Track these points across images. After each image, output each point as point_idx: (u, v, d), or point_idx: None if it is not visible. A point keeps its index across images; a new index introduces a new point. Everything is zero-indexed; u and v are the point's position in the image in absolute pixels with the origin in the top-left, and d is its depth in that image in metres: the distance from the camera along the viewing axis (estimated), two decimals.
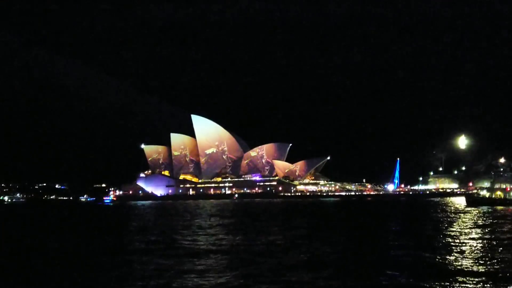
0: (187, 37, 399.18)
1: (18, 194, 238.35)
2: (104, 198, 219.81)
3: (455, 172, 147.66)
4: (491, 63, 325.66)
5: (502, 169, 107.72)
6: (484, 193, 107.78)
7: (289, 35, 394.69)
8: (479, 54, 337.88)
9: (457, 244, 32.38)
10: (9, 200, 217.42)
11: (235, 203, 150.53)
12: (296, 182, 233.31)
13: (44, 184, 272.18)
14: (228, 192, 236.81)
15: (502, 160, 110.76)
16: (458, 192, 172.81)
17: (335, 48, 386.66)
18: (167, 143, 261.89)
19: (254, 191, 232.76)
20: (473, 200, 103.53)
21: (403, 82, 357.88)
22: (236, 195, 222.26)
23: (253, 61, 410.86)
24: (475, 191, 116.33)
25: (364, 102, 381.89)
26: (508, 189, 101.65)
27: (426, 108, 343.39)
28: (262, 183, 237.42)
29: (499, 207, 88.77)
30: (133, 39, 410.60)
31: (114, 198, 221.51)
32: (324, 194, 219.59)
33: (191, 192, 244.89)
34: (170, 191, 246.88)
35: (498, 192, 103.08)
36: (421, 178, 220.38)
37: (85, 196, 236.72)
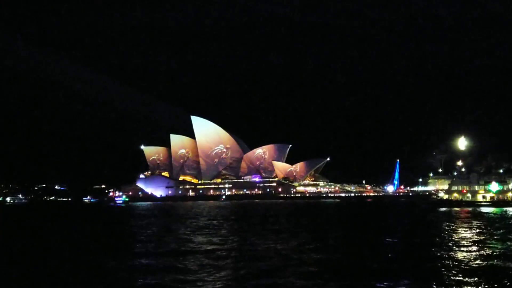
0: (187, 38, 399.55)
1: (20, 195, 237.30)
2: (115, 198, 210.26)
3: (455, 173, 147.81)
4: (491, 63, 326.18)
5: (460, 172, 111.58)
6: (442, 195, 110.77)
7: (289, 35, 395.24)
8: (479, 54, 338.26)
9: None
10: (11, 201, 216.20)
11: (230, 205, 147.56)
12: (296, 183, 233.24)
13: (44, 185, 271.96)
14: (228, 193, 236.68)
15: (459, 163, 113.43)
16: None
17: (335, 48, 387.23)
18: (166, 144, 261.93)
19: (254, 192, 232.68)
20: (432, 202, 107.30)
21: (403, 83, 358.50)
22: (224, 196, 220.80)
23: (253, 62, 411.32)
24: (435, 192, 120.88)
25: (364, 103, 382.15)
26: (465, 191, 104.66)
27: (426, 109, 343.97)
28: (261, 184, 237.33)
29: (456, 208, 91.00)
30: (133, 40, 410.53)
31: (127, 199, 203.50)
32: (324, 195, 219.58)
33: (190, 193, 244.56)
34: (169, 192, 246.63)
35: (455, 194, 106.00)
36: (420, 180, 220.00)
37: (88, 197, 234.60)
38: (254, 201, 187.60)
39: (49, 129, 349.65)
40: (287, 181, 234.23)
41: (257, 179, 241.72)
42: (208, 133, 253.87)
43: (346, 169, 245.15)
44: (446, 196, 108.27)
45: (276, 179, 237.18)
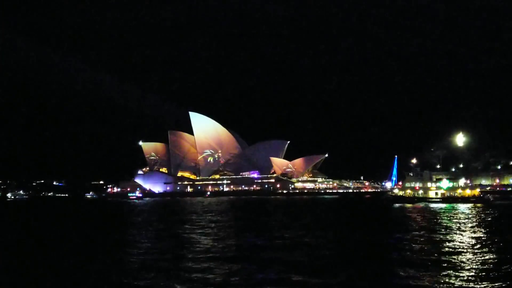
0: (186, 34, 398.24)
1: (21, 191, 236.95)
2: (129, 194, 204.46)
3: (453, 169, 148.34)
4: (490, 61, 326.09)
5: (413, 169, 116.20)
6: (397, 191, 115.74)
7: (288, 33, 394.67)
8: (478, 53, 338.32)
9: None
10: (12, 197, 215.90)
11: (211, 203, 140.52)
12: (294, 180, 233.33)
13: (42, 181, 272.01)
14: (226, 189, 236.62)
15: (414, 160, 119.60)
16: None
17: (333, 45, 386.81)
18: (165, 140, 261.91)
19: (252, 188, 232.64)
20: (387, 198, 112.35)
21: (402, 80, 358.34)
22: (208, 193, 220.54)
23: (252, 59, 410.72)
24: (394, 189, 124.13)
25: (362, 100, 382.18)
26: (417, 187, 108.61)
27: (424, 106, 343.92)
28: (260, 180, 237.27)
29: (408, 205, 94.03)
30: (132, 38, 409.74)
31: (140, 194, 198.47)
32: (322, 191, 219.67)
33: (189, 189, 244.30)
34: (168, 188, 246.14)
35: (408, 191, 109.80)
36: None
37: (91, 193, 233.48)
38: (239, 198, 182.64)
39: (48, 126, 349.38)
40: (285, 177, 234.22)
41: (255, 175, 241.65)
42: (206, 129, 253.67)
43: (344, 165, 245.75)
44: (400, 193, 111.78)
45: (275, 175, 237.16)
